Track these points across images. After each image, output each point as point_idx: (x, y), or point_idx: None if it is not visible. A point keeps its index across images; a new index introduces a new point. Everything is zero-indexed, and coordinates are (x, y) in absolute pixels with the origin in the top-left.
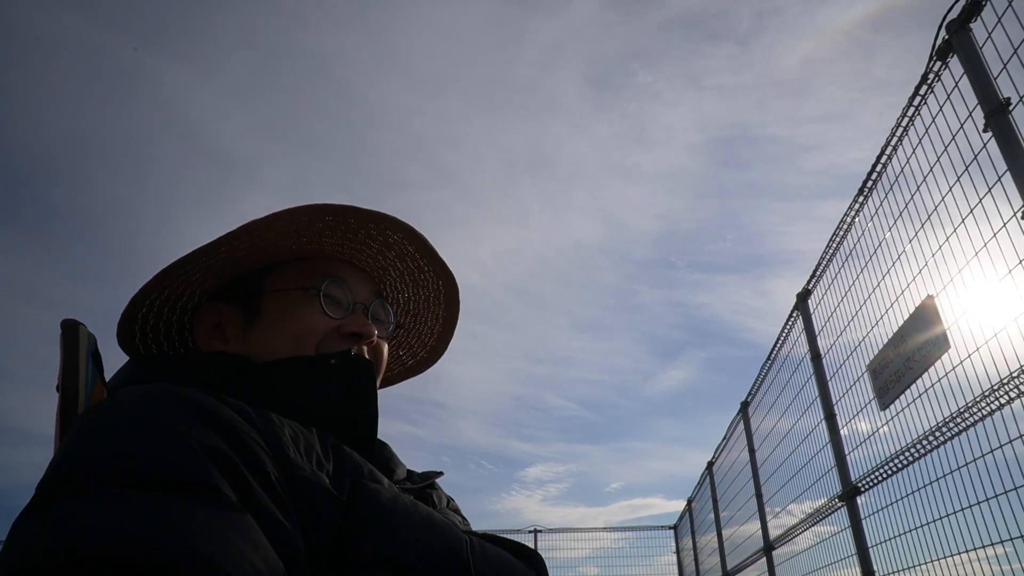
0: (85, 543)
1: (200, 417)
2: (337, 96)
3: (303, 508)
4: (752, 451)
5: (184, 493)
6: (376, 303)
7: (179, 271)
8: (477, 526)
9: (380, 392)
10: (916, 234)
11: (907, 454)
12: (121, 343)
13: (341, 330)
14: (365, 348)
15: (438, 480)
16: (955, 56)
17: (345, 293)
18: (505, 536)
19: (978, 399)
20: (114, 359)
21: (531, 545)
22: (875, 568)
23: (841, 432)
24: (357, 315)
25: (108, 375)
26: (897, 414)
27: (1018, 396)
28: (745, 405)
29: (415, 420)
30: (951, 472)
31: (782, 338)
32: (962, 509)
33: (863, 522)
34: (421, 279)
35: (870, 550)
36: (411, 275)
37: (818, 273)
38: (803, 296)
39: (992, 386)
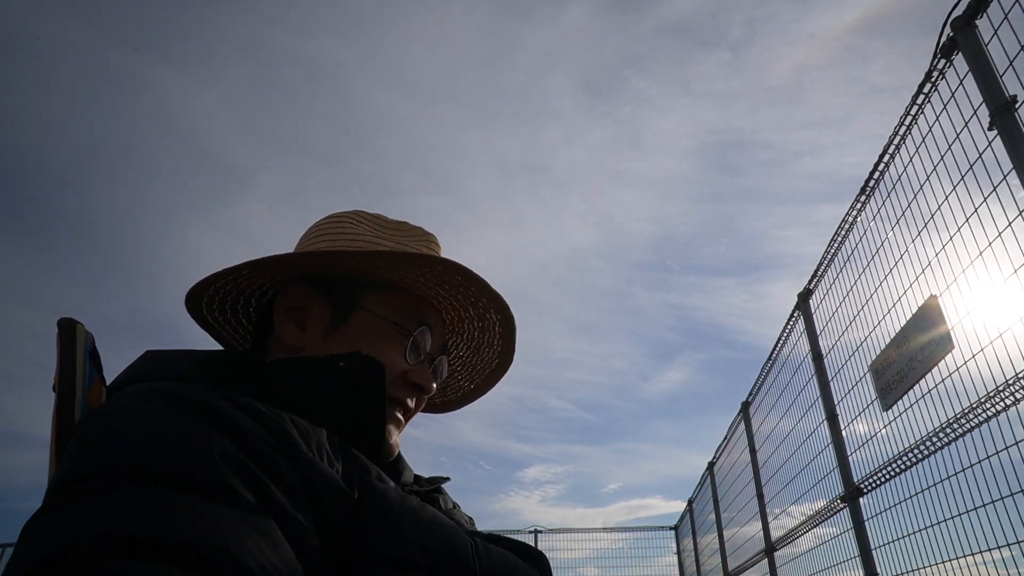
0: (119, 530)
1: (210, 420)
2: (334, 103)
3: (317, 504)
4: (753, 451)
5: (206, 494)
6: (440, 359)
7: (293, 260)
8: (476, 526)
9: None
10: (919, 233)
11: (910, 455)
12: (190, 300)
13: (408, 377)
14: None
15: (444, 485)
16: (960, 53)
17: (426, 343)
18: (509, 536)
19: (983, 400)
20: (112, 358)
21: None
22: (878, 570)
23: (843, 433)
24: (426, 367)
25: (107, 374)
26: (900, 415)
27: None
28: (746, 405)
29: (413, 421)
30: (955, 474)
31: (783, 338)
32: (967, 511)
33: (866, 524)
34: (484, 352)
35: (873, 552)
36: (478, 346)
37: (819, 273)
38: (804, 296)
39: (997, 387)
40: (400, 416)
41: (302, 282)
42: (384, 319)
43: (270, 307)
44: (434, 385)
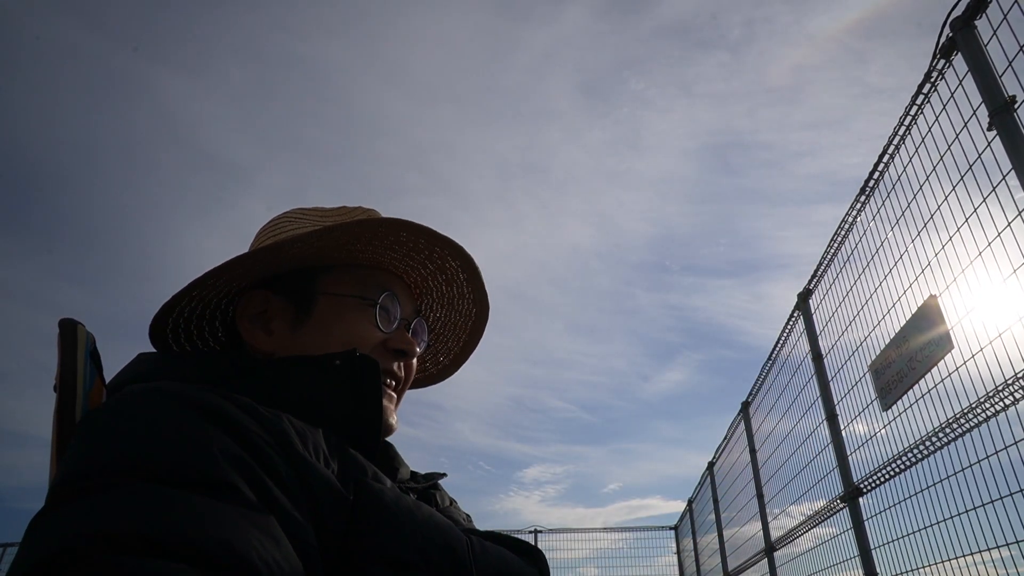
0: (123, 528)
1: (210, 418)
2: (335, 105)
3: (313, 504)
4: (753, 451)
5: (208, 491)
6: (417, 321)
7: (238, 266)
8: (476, 526)
9: None
10: (919, 233)
11: (910, 455)
12: (152, 335)
13: (387, 344)
14: (402, 364)
15: (441, 482)
16: (959, 54)
17: (396, 308)
18: (506, 534)
19: (982, 400)
20: (113, 358)
21: None
22: (878, 570)
23: (842, 433)
24: (403, 332)
25: (107, 375)
26: (900, 415)
27: (1023, 397)
28: (746, 405)
29: (413, 421)
30: (955, 474)
31: (783, 338)
32: (966, 511)
33: (865, 524)
34: (458, 304)
35: (872, 552)
36: (450, 300)
37: (819, 273)
38: (804, 296)
39: (996, 387)
40: (392, 392)
41: (256, 288)
42: (346, 296)
43: (235, 324)
44: (416, 348)
